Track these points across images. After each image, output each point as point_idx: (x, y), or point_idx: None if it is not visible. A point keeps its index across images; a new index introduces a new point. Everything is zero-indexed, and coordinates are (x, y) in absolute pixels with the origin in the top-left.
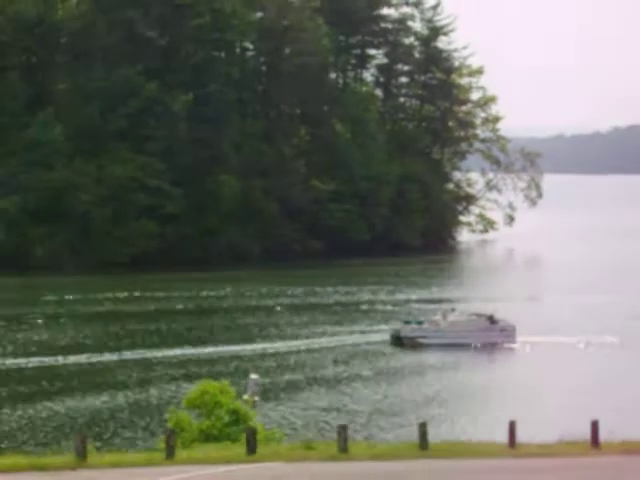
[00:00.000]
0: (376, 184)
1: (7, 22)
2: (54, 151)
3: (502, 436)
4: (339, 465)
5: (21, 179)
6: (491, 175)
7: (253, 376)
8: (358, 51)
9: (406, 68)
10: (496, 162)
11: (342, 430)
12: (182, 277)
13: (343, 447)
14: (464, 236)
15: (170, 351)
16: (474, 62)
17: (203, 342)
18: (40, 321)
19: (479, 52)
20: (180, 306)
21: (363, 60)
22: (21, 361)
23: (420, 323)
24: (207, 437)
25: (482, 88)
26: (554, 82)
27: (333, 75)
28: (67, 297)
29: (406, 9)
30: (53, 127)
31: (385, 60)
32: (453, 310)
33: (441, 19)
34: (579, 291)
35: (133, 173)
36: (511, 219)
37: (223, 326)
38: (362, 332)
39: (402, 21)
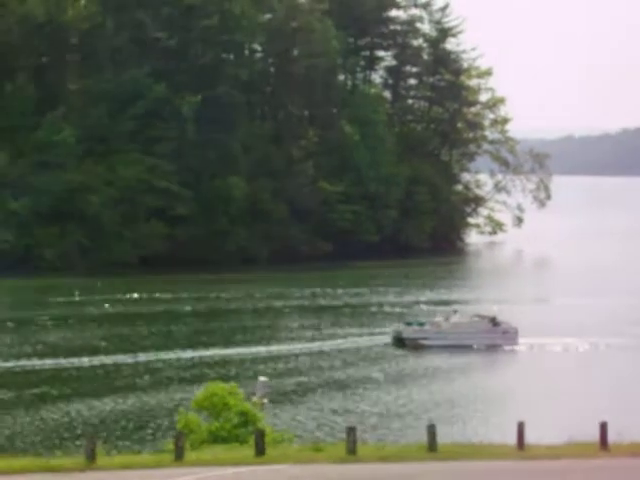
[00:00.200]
0: (385, 186)
1: (16, 23)
2: (64, 152)
3: (511, 438)
4: (347, 467)
5: (31, 180)
6: (500, 176)
7: (262, 378)
8: (367, 53)
9: (415, 70)
10: (505, 163)
11: (351, 432)
12: (191, 278)
13: (352, 449)
14: (473, 238)
15: (179, 353)
16: (483, 63)
17: (212, 344)
18: (50, 323)
19: (488, 53)
20: (189, 308)
21: (372, 62)
22: (31, 363)
23: (422, 324)
24: (216, 439)
25: (491, 89)
26: (563, 83)
27: (342, 77)
28: (77, 298)
29: (415, 11)
30: (63, 128)
31: (394, 62)
32: (455, 312)
33: (450, 21)
34: (588, 293)
35: (142, 175)
36: (520, 221)
37: (232, 328)
38: (371, 334)
39: (411, 23)
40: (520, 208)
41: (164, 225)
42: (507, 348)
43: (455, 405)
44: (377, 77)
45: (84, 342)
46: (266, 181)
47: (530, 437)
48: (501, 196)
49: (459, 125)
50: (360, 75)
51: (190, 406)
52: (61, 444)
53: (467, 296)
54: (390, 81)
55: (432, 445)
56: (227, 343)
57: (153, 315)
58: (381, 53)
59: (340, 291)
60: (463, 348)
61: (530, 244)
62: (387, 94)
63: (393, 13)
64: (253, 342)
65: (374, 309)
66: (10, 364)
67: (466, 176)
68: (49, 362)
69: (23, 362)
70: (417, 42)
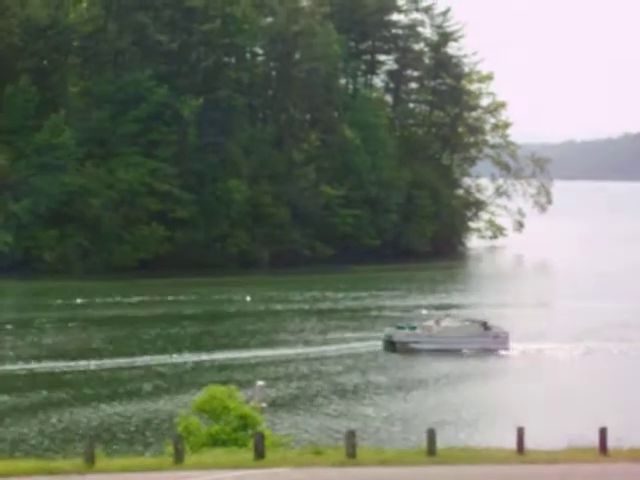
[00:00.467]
0: (386, 190)
1: (18, 25)
2: (65, 155)
3: (509, 442)
4: (347, 470)
5: (31, 183)
6: (501, 181)
7: (260, 382)
8: (368, 57)
9: (416, 74)
10: (506, 168)
11: (350, 435)
12: (192, 282)
13: (351, 453)
14: (473, 242)
15: (179, 356)
16: (484, 68)
17: (212, 347)
18: (49, 325)
19: (489, 57)
20: (189, 311)
21: (373, 66)
22: (30, 366)
23: (413, 328)
24: (216, 442)
25: (492, 94)
26: (564, 88)
27: (343, 81)
28: (76, 301)
29: (416, 15)
30: (64, 131)
31: (395, 66)
32: (447, 316)
33: (451, 25)
34: (587, 298)
35: (143, 177)
36: (520, 225)
37: (232, 331)
38: (369, 338)
39: (412, 27)
40: (521, 213)
41: (165, 228)
42: (498, 352)
43: (452, 409)
44: (378, 81)
45: (83, 345)
46: (267, 185)
47: (529, 442)
48: (502, 200)
49: (460, 129)
50: (361, 79)
51: (190, 409)
52: (62, 447)
53: (467, 300)
54: (391, 85)
55: (431, 449)
56: (227, 347)
57: (153, 318)
58: (382, 57)
59: (341, 295)
60: (454, 352)
61: (531, 249)
62: (388, 98)
63: (394, 17)
64: (253, 346)
65: (374, 313)
66: (10, 367)
67: (467, 180)
68: (48, 365)
69: (21, 365)
70: (418, 46)
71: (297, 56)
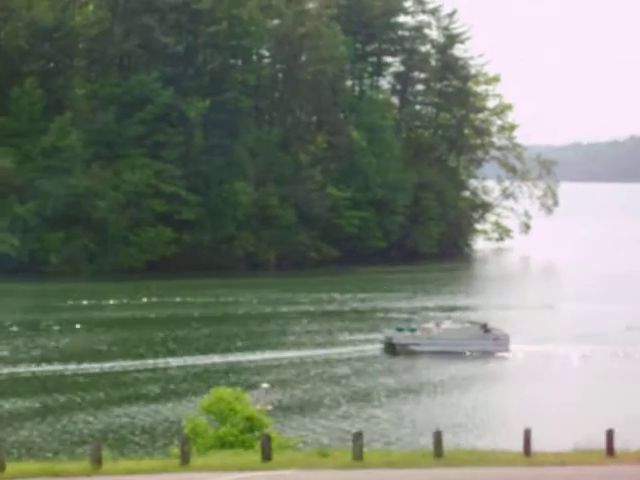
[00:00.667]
0: (392, 192)
1: (24, 28)
2: (71, 157)
3: (516, 444)
4: (354, 473)
5: (37, 185)
6: (507, 183)
7: (264, 385)
8: (374, 59)
9: (422, 76)
10: (512, 170)
11: (357, 437)
12: (198, 284)
13: (358, 455)
14: (480, 244)
15: (186, 358)
16: (490, 70)
17: (219, 350)
18: (56, 328)
19: (495, 59)
20: (196, 313)
21: (379, 68)
22: (37, 368)
23: (413, 330)
24: (223, 444)
25: (498, 96)
26: (570, 90)
27: (349, 82)
28: (83, 303)
29: (422, 17)
30: (70, 133)
31: (401, 68)
32: (448, 318)
33: (457, 27)
34: (593, 300)
35: (149, 179)
36: (527, 227)
37: (239, 333)
38: (374, 341)
39: (418, 29)
40: (527, 215)
41: (171, 230)
42: (498, 354)
43: (457, 412)
44: (385, 83)
45: (90, 347)
46: (274, 186)
47: (535, 444)
48: (508, 202)
49: (466, 131)
50: (368, 81)
51: (197, 411)
52: (69, 450)
53: (474, 302)
54: (398, 87)
55: (438, 451)
56: (234, 349)
57: (161, 320)
58: (389, 59)
59: (347, 297)
60: (454, 354)
61: (537, 250)
62: (395, 100)
63: (401, 19)
64: (260, 348)
65: (380, 315)
66: (17, 369)
67: (473, 182)
68: (54, 367)
69: (28, 367)
70: (425, 48)
71: (303, 58)
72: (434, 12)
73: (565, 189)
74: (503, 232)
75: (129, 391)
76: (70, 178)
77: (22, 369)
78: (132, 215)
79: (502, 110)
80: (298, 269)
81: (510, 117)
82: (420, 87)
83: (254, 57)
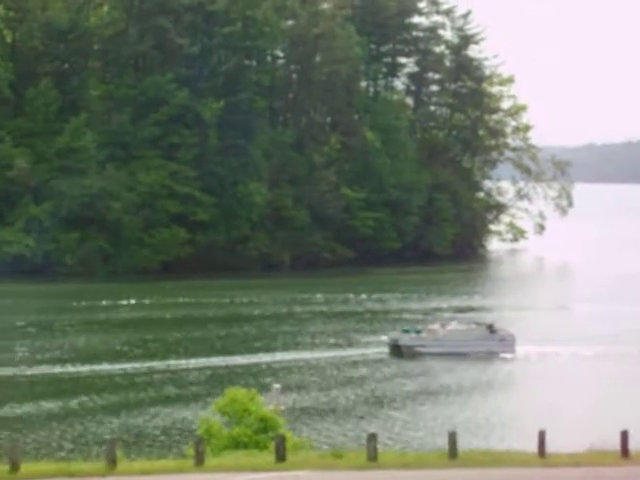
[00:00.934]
0: (407, 193)
1: (39, 29)
2: (86, 158)
3: (530, 445)
4: (368, 473)
5: (52, 186)
6: (522, 184)
7: (276, 385)
8: (389, 59)
9: (437, 76)
10: (527, 171)
11: (372, 438)
12: (213, 284)
13: (372, 456)
14: (494, 245)
15: (201, 359)
16: (504, 71)
17: (234, 351)
18: (71, 328)
19: (509, 60)
20: (211, 314)
21: (394, 68)
22: (52, 369)
23: (418, 332)
24: (237, 444)
25: (513, 97)
26: (585, 90)
27: (364, 83)
28: (98, 304)
29: (437, 18)
30: (84, 134)
31: (416, 68)
32: (453, 319)
33: (472, 28)
34: (607, 301)
35: (164, 180)
36: (541, 228)
37: (254, 334)
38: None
39: (433, 30)
40: (542, 215)
41: (186, 231)
42: (504, 355)
43: (469, 413)
44: (399, 84)
45: (105, 347)
46: (288, 187)
47: (550, 445)
48: (523, 203)
49: (481, 132)
50: (382, 82)
51: (211, 412)
52: (84, 450)
53: (488, 303)
54: (412, 88)
55: (453, 452)
56: (249, 350)
57: (174, 321)
58: (403, 60)
59: (361, 297)
60: (460, 355)
61: (551, 251)
62: (409, 101)
63: (415, 20)
64: (275, 349)
65: (395, 316)
66: (32, 371)
67: (488, 183)
68: (70, 367)
69: (43, 368)
70: (439, 49)
71: (318, 59)
72: (448, 13)
73: (579, 190)
74: (517, 233)
75: (144, 392)
76: (85, 179)
77: (38, 370)
78: (147, 216)
79: (516, 111)
80: (312, 270)
81: (524, 118)
82: (434, 88)
83: (268, 58)
